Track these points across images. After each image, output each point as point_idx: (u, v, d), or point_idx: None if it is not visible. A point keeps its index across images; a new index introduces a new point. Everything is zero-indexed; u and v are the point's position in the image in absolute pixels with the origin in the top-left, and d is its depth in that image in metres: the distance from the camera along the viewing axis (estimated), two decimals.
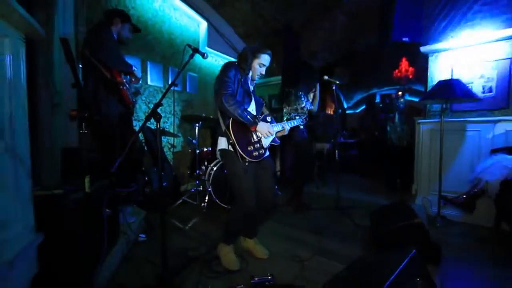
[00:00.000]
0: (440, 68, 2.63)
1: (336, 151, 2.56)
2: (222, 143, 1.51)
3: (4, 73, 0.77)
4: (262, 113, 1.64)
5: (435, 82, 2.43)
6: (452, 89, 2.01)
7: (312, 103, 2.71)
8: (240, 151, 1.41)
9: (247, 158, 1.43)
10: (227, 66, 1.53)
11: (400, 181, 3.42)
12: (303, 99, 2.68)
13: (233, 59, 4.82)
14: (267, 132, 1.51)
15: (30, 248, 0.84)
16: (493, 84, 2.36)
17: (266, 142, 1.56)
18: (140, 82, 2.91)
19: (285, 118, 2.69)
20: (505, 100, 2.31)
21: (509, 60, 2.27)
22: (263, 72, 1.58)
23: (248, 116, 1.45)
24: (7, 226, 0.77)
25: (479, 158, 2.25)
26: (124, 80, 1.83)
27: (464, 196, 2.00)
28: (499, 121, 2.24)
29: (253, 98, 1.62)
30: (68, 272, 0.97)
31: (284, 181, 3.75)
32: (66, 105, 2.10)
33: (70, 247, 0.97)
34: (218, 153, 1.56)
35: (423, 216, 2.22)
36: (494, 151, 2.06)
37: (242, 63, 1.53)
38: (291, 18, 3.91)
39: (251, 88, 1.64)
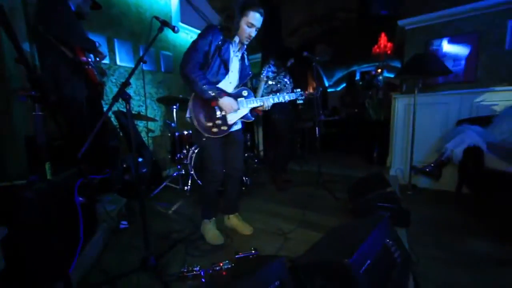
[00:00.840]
0: (417, 42, 2.68)
1: (317, 128, 2.59)
2: (187, 113, 1.50)
3: None
4: (242, 86, 1.57)
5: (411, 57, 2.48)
6: (425, 64, 2.07)
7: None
8: (197, 127, 1.40)
9: (204, 133, 1.41)
10: (203, 32, 1.41)
11: (377, 154, 3.61)
12: (283, 74, 2.60)
13: None
14: (229, 108, 1.44)
15: None
16: (462, 58, 2.46)
17: (232, 118, 1.49)
18: (108, 60, 2.68)
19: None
20: (473, 74, 2.43)
21: (477, 34, 2.36)
22: (253, 34, 1.41)
23: (210, 91, 1.37)
24: None
25: (447, 129, 2.40)
26: (89, 60, 1.66)
27: (432, 165, 2.16)
28: (465, 94, 2.38)
29: (233, 69, 1.51)
30: (39, 265, 0.93)
31: (267, 160, 3.80)
32: (16, 89, 1.89)
33: (38, 239, 0.92)
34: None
35: (396, 185, 2.39)
36: (460, 122, 2.20)
37: (229, 22, 1.40)
38: None
39: (239, 54, 1.52)
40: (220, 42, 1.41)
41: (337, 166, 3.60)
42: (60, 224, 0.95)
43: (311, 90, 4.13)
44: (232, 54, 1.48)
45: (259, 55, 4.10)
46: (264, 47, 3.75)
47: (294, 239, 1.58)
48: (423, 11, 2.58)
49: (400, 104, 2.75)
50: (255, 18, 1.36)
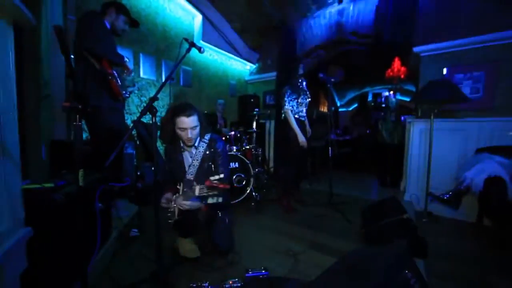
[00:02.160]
0: (432, 69, 2.70)
1: (330, 148, 2.59)
2: None
3: None
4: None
5: (426, 82, 2.50)
6: (443, 91, 2.07)
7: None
8: None
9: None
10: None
11: (390, 178, 3.52)
12: (302, 93, 2.56)
13: (228, 55, 4.73)
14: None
15: (18, 244, 0.82)
16: (480, 85, 2.45)
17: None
18: (133, 74, 2.84)
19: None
20: (491, 101, 2.40)
21: (497, 62, 2.36)
22: (189, 135, 1.44)
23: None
24: None
25: (465, 157, 2.34)
26: (114, 72, 1.77)
27: (450, 193, 2.08)
28: (484, 121, 2.34)
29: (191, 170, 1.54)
30: (59, 267, 0.96)
31: (278, 176, 3.77)
32: (55, 97, 2.03)
33: (61, 242, 0.95)
34: None
35: (411, 212, 2.30)
36: (479, 151, 2.15)
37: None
38: (287, 14, 3.89)
39: (198, 155, 1.54)
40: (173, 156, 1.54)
41: (348, 186, 3.53)
42: (81, 227, 0.98)
43: (323, 110, 4.17)
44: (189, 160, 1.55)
45: (274, 73, 4.24)
46: (280, 66, 3.88)
47: (305, 261, 1.53)
48: (439, 39, 2.63)
49: (416, 129, 2.72)
50: (182, 122, 1.40)
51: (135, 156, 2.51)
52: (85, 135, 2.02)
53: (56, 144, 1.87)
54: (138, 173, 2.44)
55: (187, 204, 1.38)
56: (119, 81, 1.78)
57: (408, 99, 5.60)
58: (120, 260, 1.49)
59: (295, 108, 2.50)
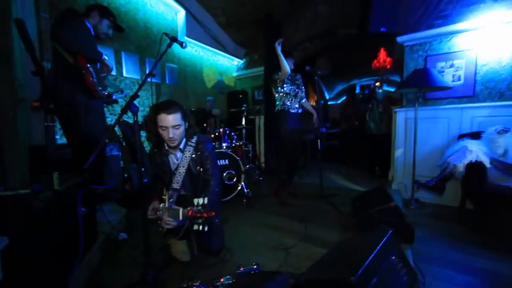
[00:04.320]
0: (415, 58, 2.75)
1: (319, 141, 2.60)
2: None
3: None
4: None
5: (410, 72, 2.54)
6: (425, 78, 2.11)
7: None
8: None
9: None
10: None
11: (379, 168, 3.60)
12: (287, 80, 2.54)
13: (215, 50, 4.64)
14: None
15: None
16: (461, 73, 2.51)
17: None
18: (114, 72, 2.74)
19: (277, 102, 2.57)
20: (471, 89, 2.47)
21: (475, 50, 2.42)
22: (171, 135, 1.34)
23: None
24: None
25: (449, 143, 2.41)
26: (89, 67, 1.66)
27: (435, 179, 2.15)
28: (465, 108, 2.41)
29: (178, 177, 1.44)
30: (37, 276, 0.92)
31: (269, 171, 3.78)
32: (30, 99, 1.93)
33: (40, 250, 0.91)
34: None
35: (399, 200, 2.36)
36: (461, 136, 2.21)
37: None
38: (272, 8, 3.84)
39: (184, 158, 1.46)
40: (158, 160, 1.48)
41: (338, 178, 3.58)
42: (62, 234, 0.94)
43: (312, 103, 4.20)
44: (175, 163, 1.48)
45: (262, 68, 4.21)
46: (267, 61, 3.84)
47: (297, 254, 1.55)
48: (421, 28, 2.67)
49: (401, 118, 2.78)
50: (162, 120, 1.32)
51: (121, 158, 2.44)
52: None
53: (35, 149, 1.79)
54: (125, 175, 2.38)
55: (172, 224, 1.30)
56: (94, 76, 1.68)
57: (394, 90, 5.72)
58: (109, 265, 1.45)
59: (288, 101, 2.51)
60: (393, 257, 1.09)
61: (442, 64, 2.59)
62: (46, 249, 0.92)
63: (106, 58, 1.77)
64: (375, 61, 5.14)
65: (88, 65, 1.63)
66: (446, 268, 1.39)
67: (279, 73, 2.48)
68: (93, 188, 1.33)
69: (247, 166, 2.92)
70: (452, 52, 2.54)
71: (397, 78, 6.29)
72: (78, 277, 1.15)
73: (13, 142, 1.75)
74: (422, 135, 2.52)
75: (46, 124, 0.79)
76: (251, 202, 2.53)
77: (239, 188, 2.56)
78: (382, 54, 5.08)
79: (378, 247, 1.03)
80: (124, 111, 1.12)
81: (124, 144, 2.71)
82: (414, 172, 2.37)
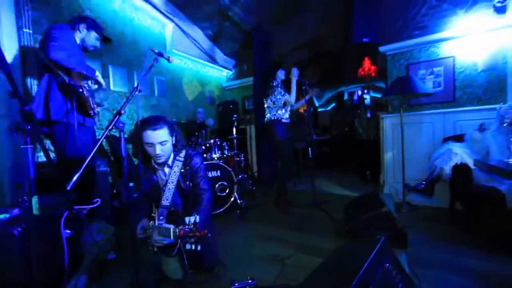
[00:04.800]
0: (398, 66, 2.86)
1: (310, 148, 2.63)
2: None
3: None
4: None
5: (393, 79, 2.65)
6: (408, 86, 2.20)
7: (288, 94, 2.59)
8: None
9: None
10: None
11: (370, 173, 3.65)
12: (280, 89, 2.56)
13: (204, 62, 4.67)
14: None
15: None
16: (441, 79, 2.63)
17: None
18: (105, 88, 2.70)
19: (267, 114, 2.59)
20: (451, 94, 2.59)
21: (452, 58, 2.55)
22: (158, 152, 1.31)
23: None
24: None
25: (435, 147, 2.49)
26: (85, 85, 1.67)
27: (424, 182, 2.20)
28: (448, 113, 2.51)
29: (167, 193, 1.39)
30: None
31: (263, 182, 3.76)
32: (9, 116, 1.86)
33: (22, 276, 0.86)
34: None
35: (391, 204, 2.39)
36: (446, 140, 2.29)
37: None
38: (259, 19, 3.95)
39: (172, 173, 1.41)
40: (150, 181, 1.44)
41: (330, 185, 3.60)
42: (44, 258, 0.89)
43: (301, 111, 4.27)
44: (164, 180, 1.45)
45: (251, 79, 4.26)
46: (256, 71, 3.90)
47: (293, 265, 1.52)
48: (402, 38, 2.81)
49: (387, 123, 2.86)
50: (148, 136, 1.28)
51: (110, 173, 2.37)
52: (52, 156, 1.87)
53: (17, 170, 1.71)
54: (114, 191, 2.30)
55: (163, 243, 1.26)
56: (89, 94, 1.68)
57: (380, 96, 5.91)
58: (97, 285, 1.38)
59: (280, 110, 2.54)
60: (387, 264, 1.09)
61: (423, 71, 2.71)
62: (28, 275, 0.86)
63: (98, 75, 1.76)
64: (360, 69, 5.33)
65: (84, 84, 1.62)
66: (440, 271, 1.41)
67: (279, 92, 2.53)
68: (79, 209, 1.28)
69: (240, 176, 2.90)
70: (432, 60, 2.67)
71: (382, 85, 6.52)
72: None
73: None
74: (409, 139, 2.60)
75: (22, 146, 0.75)
76: (245, 213, 2.49)
77: (232, 199, 2.53)
78: (367, 62, 5.28)
79: (372, 255, 1.02)
80: (109, 128, 1.09)
81: (112, 158, 2.64)
82: (404, 176, 2.42)
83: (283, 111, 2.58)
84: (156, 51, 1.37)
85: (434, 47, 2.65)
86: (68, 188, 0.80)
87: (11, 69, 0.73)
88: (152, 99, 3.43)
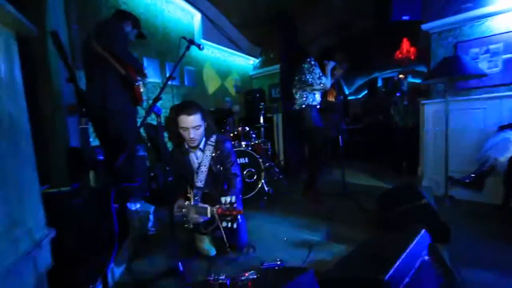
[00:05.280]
0: (444, 45, 2.55)
1: (340, 137, 2.53)
2: None
3: None
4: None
5: (438, 61, 2.37)
6: (457, 67, 1.95)
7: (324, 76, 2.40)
8: None
9: None
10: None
11: (406, 164, 3.40)
12: (316, 67, 2.37)
13: (230, 51, 4.69)
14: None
15: (44, 243, 0.86)
16: (499, 59, 2.29)
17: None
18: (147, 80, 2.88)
19: (299, 100, 2.44)
20: (511, 75, 2.24)
21: None
22: (192, 135, 1.38)
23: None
24: (21, 222, 0.79)
25: (486, 136, 2.21)
26: (139, 79, 1.81)
27: (473, 175, 1.98)
28: (505, 97, 2.19)
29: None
30: (82, 265, 1.00)
31: (290, 170, 3.74)
32: (67, 105, 2.10)
33: (81, 241, 0.99)
34: None
35: (431, 197, 2.21)
36: (502, 128, 2.02)
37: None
38: (285, 4, 3.80)
39: (205, 157, 1.48)
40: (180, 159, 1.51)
41: (362, 176, 3.45)
42: (99, 227, 1.02)
43: (331, 99, 4.08)
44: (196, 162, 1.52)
45: (277, 67, 4.17)
46: (283, 58, 3.80)
47: (321, 252, 1.51)
48: (448, 13, 2.48)
49: (429, 110, 2.60)
50: (183, 121, 1.35)
51: (148, 158, 2.56)
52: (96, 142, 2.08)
53: (72, 151, 1.95)
54: (152, 174, 2.49)
55: (199, 220, 1.35)
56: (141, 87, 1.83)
57: (420, 81, 5.37)
58: (139, 257, 1.53)
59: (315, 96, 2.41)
60: (427, 257, 1.02)
61: (476, 50, 2.38)
62: (86, 240, 1.00)
63: (145, 68, 1.89)
64: (398, 52, 4.86)
65: (138, 78, 1.76)
66: (485, 270, 1.28)
67: (314, 75, 2.37)
68: (124, 186, 1.42)
69: (267, 164, 2.92)
70: (487, 37, 2.32)
71: (422, 69, 5.91)
72: (114, 268, 1.23)
73: (54, 145, 1.92)
74: (455, 127, 2.34)
75: (80, 126, 0.85)
76: (272, 199, 2.52)
77: (260, 186, 2.57)
78: (405, 44, 4.80)
79: (411, 246, 0.97)
80: (148, 114, 1.17)
81: (149, 144, 2.85)
82: (447, 167, 2.21)
83: (318, 96, 2.44)
84: (188, 39, 1.41)
85: (489, 21, 2.29)
86: (117, 165, 0.89)
87: (68, 58, 0.82)
88: (182, 89, 3.58)
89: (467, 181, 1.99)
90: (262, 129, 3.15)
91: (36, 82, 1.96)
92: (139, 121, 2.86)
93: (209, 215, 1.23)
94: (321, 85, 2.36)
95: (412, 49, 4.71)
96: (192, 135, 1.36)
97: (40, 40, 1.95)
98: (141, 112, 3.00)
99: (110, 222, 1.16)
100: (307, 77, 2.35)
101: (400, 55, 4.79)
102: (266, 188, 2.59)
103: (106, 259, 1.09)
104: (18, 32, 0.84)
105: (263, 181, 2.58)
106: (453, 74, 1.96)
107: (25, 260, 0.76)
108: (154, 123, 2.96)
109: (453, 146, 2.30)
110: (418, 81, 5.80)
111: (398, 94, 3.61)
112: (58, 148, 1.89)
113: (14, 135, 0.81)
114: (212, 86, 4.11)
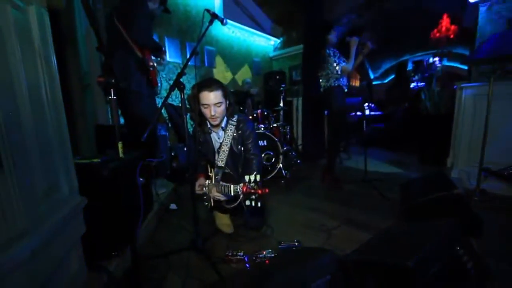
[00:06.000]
0: (495, 20, 2.24)
1: (364, 122, 2.40)
2: None
3: (32, 42, 0.77)
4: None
5: (485, 40, 2.09)
6: (509, 44, 1.71)
7: (346, 61, 2.31)
8: None
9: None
10: None
11: (434, 154, 3.18)
12: (333, 57, 2.29)
13: (251, 30, 4.52)
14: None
15: (77, 209, 0.93)
16: None
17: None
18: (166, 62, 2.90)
19: (324, 82, 2.37)
20: None
21: None
22: (213, 112, 1.37)
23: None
24: (57, 188, 0.84)
25: None
26: (154, 63, 1.82)
27: None
28: None
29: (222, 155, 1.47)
30: (111, 232, 1.07)
31: (307, 155, 3.67)
32: (94, 86, 2.18)
33: (111, 210, 1.06)
34: None
35: (461, 189, 2.07)
36: None
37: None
38: None
39: (226, 136, 1.48)
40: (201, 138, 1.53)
41: (382, 163, 3.30)
42: (127, 198, 1.07)
43: (355, 83, 3.85)
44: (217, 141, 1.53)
45: (300, 46, 3.97)
46: (307, 37, 3.59)
47: (339, 236, 1.50)
48: None
49: (468, 95, 2.36)
50: (204, 97, 1.34)
51: (168, 138, 2.63)
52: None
53: (100, 127, 2.04)
54: (172, 154, 2.57)
55: (221, 198, 1.37)
56: (157, 70, 1.84)
57: (457, 65, 4.86)
58: (162, 230, 1.62)
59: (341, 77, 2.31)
60: (458, 248, 0.96)
61: None
62: (116, 210, 1.06)
63: (164, 50, 1.87)
64: (435, 30, 4.39)
65: (155, 63, 1.78)
66: None
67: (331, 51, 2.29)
68: (149, 161, 1.47)
69: (285, 148, 2.88)
70: None
71: (461, 51, 5.32)
72: (139, 239, 1.31)
73: (83, 121, 2.02)
74: (497, 114, 2.11)
75: (109, 97, 0.87)
76: (290, 183, 2.52)
77: (277, 169, 2.56)
78: (445, 21, 4.31)
79: (440, 236, 0.92)
80: (172, 88, 1.17)
81: (170, 125, 2.91)
82: (483, 158, 2.03)
83: (344, 79, 2.34)
84: (211, 12, 1.35)
85: None
86: (144, 138, 0.91)
87: (99, 25, 0.81)
88: (202, 69, 3.55)
89: (506, 173, 1.81)
90: (281, 112, 3.08)
91: (67, 64, 2.02)
92: (159, 101, 2.95)
93: (232, 193, 1.24)
94: (338, 74, 2.29)
95: (453, 27, 4.23)
96: (213, 112, 1.35)
97: (67, 9, 1.93)
98: (162, 93, 3.04)
99: (136, 194, 1.23)
100: (326, 66, 2.31)
101: (437, 34, 4.33)
102: (283, 172, 2.58)
103: (134, 229, 1.16)
104: (48, 4, 0.85)
105: (280, 164, 2.56)
106: (506, 53, 1.72)
107: (61, 224, 0.82)
108: (175, 104, 3.00)
109: (492, 135, 2.09)
110: (455, 64, 5.26)
111: (431, 78, 3.30)
112: (86, 124, 1.99)
113: (51, 108, 0.84)
114: (231, 66, 4.04)
